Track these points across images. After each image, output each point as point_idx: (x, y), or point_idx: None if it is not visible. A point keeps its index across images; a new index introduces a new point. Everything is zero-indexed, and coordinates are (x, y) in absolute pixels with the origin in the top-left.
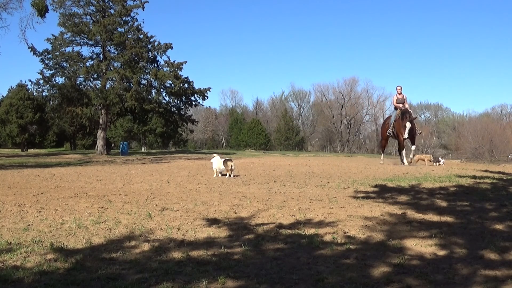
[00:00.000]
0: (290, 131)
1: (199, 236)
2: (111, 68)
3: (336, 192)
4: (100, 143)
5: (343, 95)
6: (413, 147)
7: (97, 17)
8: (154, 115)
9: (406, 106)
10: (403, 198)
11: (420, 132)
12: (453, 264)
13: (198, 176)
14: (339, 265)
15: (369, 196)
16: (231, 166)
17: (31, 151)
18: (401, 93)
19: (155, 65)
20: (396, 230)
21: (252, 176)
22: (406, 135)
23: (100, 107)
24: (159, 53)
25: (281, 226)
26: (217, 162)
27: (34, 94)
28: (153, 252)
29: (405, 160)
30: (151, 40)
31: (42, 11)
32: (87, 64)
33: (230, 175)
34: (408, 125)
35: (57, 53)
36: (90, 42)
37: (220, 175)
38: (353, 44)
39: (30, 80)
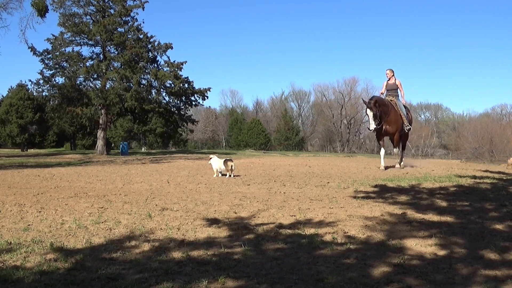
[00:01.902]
0: (290, 131)
1: (199, 236)
2: (111, 68)
3: (336, 192)
4: (100, 143)
5: (343, 95)
6: (395, 150)
7: (97, 17)
8: (154, 115)
9: (401, 93)
10: (403, 198)
11: (409, 128)
12: (453, 264)
13: (198, 176)
14: (339, 265)
15: (369, 196)
16: (232, 166)
17: (31, 151)
18: (391, 78)
19: (155, 65)
20: (396, 230)
21: (252, 176)
22: (372, 126)
23: (100, 107)
24: (159, 53)
25: (281, 226)
26: (217, 162)
27: (34, 94)
28: (153, 252)
29: (382, 162)
30: (151, 40)
31: (42, 11)
32: (87, 64)
33: (230, 175)
34: (369, 113)
35: (57, 53)
36: (90, 42)
37: (220, 175)
38: (353, 44)
39: (30, 80)
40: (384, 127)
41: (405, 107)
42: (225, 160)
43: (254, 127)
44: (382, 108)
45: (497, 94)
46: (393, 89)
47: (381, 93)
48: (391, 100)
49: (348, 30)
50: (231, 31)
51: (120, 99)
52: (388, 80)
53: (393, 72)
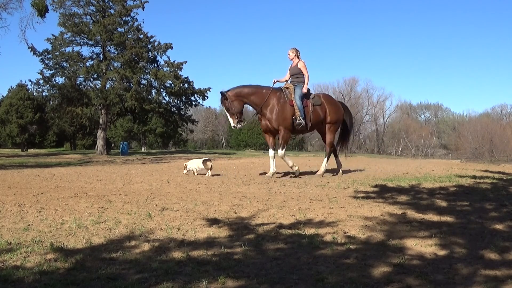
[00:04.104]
0: None
1: (199, 236)
2: (111, 68)
3: (336, 192)
4: (100, 143)
5: (343, 95)
6: (280, 152)
7: (97, 17)
8: (154, 115)
9: (305, 78)
10: (403, 198)
11: (300, 123)
12: (453, 264)
13: (198, 176)
14: (339, 265)
15: (369, 196)
16: (210, 165)
17: (31, 151)
18: (293, 59)
19: (155, 65)
20: (396, 230)
21: (252, 176)
22: (232, 124)
23: (100, 107)
24: (159, 53)
25: (281, 226)
26: (195, 162)
27: (34, 94)
28: (153, 252)
29: (272, 167)
30: (151, 40)
31: (42, 11)
32: (87, 64)
33: (209, 174)
34: (224, 107)
35: (57, 53)
36: (90, 42)
37: (195, 173)
38: (353, 44)
39: (30, 80)
40: (262, 121)
41: (316, 95)
42: (203, 160)
43: (254, 127)
44: (251, 98)
45: (497, 94)
46: (295, 74)
47: (284, 80)
48: (287, 88)
49: (348, 30)
50: (231, 31)
51: (120, 99)
52: (292, 63)
53: (296, 52)
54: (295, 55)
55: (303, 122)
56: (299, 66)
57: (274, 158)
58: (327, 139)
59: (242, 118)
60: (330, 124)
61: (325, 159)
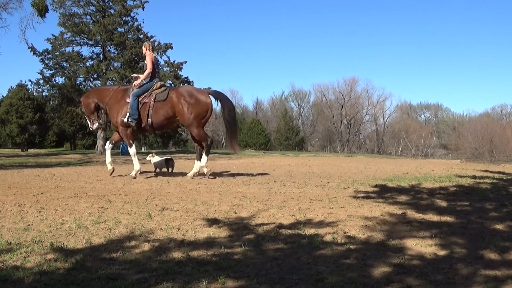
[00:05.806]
0: (290, 131)
1: (199, 236)
2: (111, 68)
3: (336, 192)
4: (100, 143)
5: (343, 95)
6: (130, 150)
7: (97, 17)
8: None
9: (146, 71)
10: (403, 198)
11: (124, 121)
12: (453, 264)
13: (197, 176)
14: (339, 265)
15: (369, 196)
16: (172, 164)
17: (31, 151)
18: (145, 53)
19: None
20: (396, 230)
21: (252, 176)
22: (89, 126)
23: None
24: (159, 53)
25: (281, 226)
26: (158, 160)
27: (34, 94)
28: (153, 252)
29: (108, 160)
30: (151, 40)
31: (42, 11)
32: (87, 64)
33: (171, 171)
34: None
35: (57, 53)
36: (90, 42)
37: (159, 170)
38: (353, 44)
39: (30, 80)
40: None
41: (168, 90)
42: (166, 159)
43: (254, 127)
44: (98, 98)
45: (497, 94)
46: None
47: (137, 76)
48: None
49: (348, 30)
50: (231, 30)
51: None
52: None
53: (148, 46)
54: (146, 49)
55: (126, 120)
56: (149, 57)
57: (132, 156)
58: (196, 136)
59: (97, 118)
60: (189, 121)
61: (204, 156)
